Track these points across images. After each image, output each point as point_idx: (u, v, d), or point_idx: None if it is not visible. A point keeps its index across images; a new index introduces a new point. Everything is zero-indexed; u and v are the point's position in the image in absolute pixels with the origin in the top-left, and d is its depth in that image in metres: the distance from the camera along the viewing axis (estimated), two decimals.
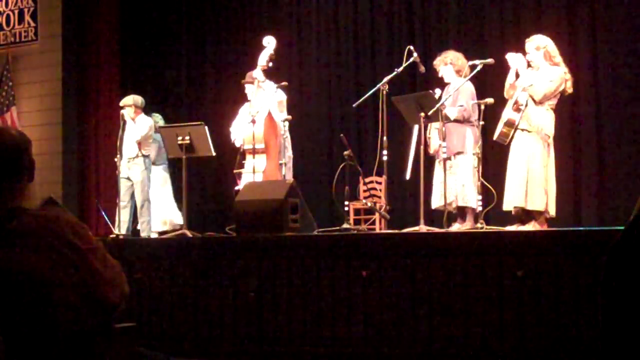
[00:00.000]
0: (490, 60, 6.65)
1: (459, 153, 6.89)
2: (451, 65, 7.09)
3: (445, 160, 6.56)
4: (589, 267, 4.91)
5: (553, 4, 8.29)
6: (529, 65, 6.65)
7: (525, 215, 6.55)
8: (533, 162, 6.48)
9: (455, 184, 6.81)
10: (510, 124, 6.50)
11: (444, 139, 6.52)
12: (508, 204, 6.59)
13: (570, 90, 6.65)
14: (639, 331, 1.76)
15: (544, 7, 8.33)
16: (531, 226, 6.43)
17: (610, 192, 7.87)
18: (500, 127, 6.58)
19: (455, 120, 6.91)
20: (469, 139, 6.91)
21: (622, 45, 7.91)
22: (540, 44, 6.63)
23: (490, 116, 7.03)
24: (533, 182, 6.45)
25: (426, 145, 6.61)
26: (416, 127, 6.83)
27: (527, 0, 8.42)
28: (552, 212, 6.55)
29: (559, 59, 6.64)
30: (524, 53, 6.68)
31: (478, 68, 6.56)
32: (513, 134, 6.51)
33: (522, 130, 6.51)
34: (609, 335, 1.82)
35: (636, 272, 1.77)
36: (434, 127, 6.83)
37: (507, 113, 6.58)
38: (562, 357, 4.97)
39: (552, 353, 4.99)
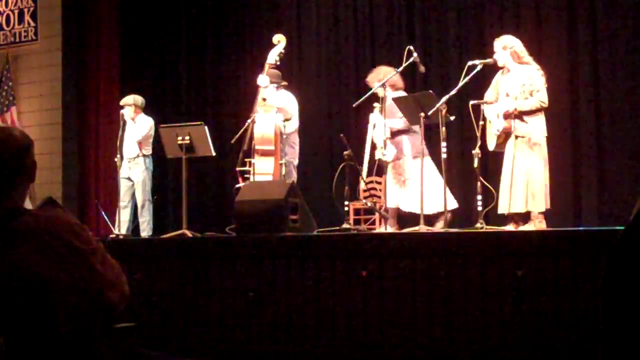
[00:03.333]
0: (490, 60, 6.67)
1: (398, 159, 7.19)
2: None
3: (387, 164, 7.03)
4: (589, 267, 4.91)
5: (553, 4, 8.28)
6: (499, 68, 6.75)
7: (518, 216, 6.58)
8: (528, 166, 6.50)
9: (404, 189, 7.04)
10: (506, 132, 6.56)
11: (444, 140, 6.53)
12: (503, 209, 6.61)
13: (545, 84, 6.68)
14: (639, 331, 1.76)
15: (544, 7, 8.32)
16: (531, 226, 6.44)
17: (610, 192, 7.86)
18: (494, 139, 6.63)
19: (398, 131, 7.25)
20: (406, 146, 7.21)
21: (622, 45, 7.90)
22: (507, 44, 6.70)
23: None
24: (532, 185, 6.48)
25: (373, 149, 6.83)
26: (370, 126, 7.23)
27: (527, 0, 8.42)
28: (547, 204, 6.59)
29: (527, 58, 6.70)
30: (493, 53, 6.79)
31: (478, 68, 6.56)
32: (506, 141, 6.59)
33: (516, 137, 6.55)
34: (609, 335, 1.82)
35: (636, 272, 1.77)
36: (381, 138, 7.02)
37: (499, 123, 6.61)
38: (562, 357, 4.97)
39: (552, 353, 4.99)
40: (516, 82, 6.60)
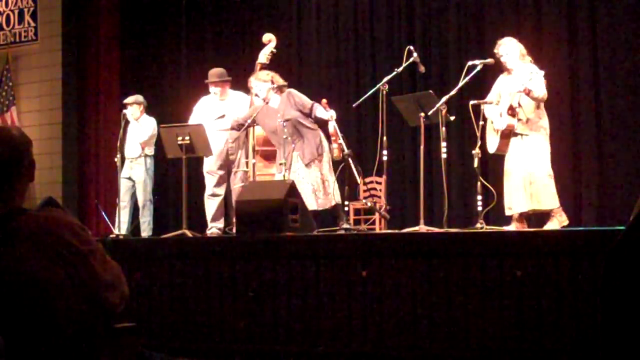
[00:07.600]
0: (490, 60, 6.67)
1: None
2: None
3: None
4: (589, 267, 4.91)
5: (553, 4, 8.28)
6: (500, 68, 6.73)
7: (523, 216, 6.57)
8: (536, 163, 6.49)
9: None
10: (508, 132, 6.53)
11: (444, 140, 6.54)
12: (516, 209, 6.56)
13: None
14: (638, 332, 1.76)
15: (544, 8, 8.32)
16: (554, 225, 6.45)
17: (610, 192, 7.86)
18: (497, 140, 6.61)
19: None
20: None
21: (622, 46, 7.90)
22: (514, 45, 6.67)
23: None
24: (540, 182, 6.48)
25: None
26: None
27: (527, 1, 8.42)
28: (555, 202, 6.61)
29: (528, 58, 6.69)
30: (493, 55, 6.73)
31: (478, 68, 6.56)
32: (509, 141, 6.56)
33: (521, 135, 6.53)
34: (609, 335, 1.82)
35: (636, 273, 1.77)
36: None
37: (503, 121, 6.58)
38: (562, 357, 4.97)
39: (552, 353, 4.99)
40: (520, 78, 6.54)
